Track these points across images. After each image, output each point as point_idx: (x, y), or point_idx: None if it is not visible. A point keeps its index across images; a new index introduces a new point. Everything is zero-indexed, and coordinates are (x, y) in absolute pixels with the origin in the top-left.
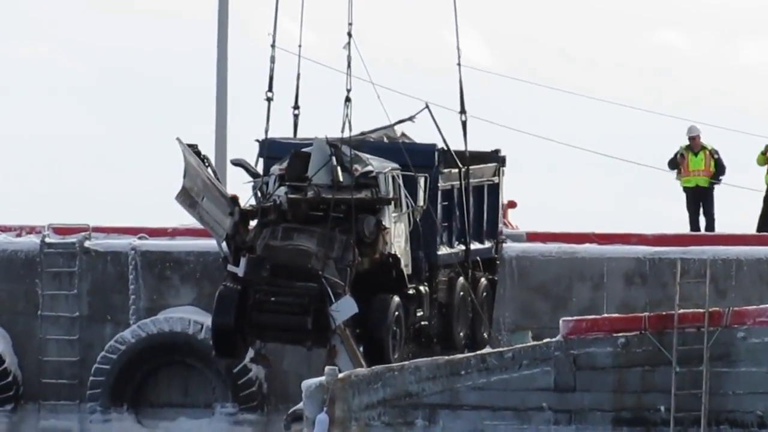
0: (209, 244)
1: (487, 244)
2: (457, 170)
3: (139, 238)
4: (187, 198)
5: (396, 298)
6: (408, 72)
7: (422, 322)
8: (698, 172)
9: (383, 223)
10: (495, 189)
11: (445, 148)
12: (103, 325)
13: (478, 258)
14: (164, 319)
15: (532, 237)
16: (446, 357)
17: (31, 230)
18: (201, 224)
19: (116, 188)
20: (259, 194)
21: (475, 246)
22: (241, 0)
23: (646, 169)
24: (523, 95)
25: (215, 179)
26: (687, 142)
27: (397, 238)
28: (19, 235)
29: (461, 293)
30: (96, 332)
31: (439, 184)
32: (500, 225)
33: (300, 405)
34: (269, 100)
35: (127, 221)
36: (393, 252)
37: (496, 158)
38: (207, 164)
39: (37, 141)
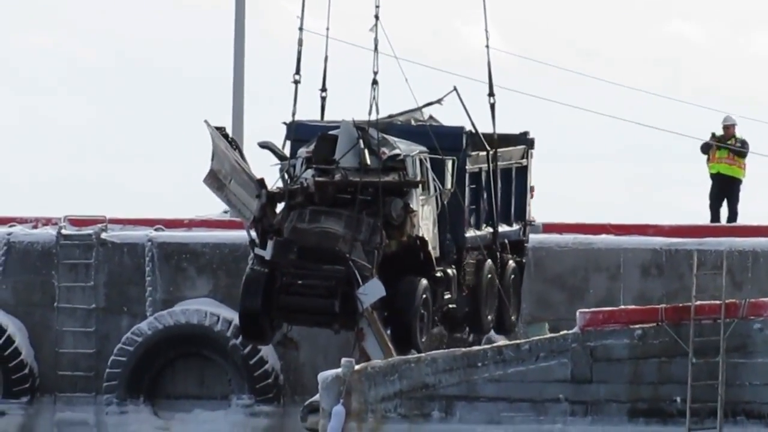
0: (226, 235)
1: (515, 227)
2: (485, 153)
3: (156, 229)
4: (214, 181)
5: (423, 281)
6: (427, 60)
7: (450, 305)
8: (722, 159)
9: (411, 205)
10: (523, 171)
11: (473, 131)
12: (119, 317)
13: (506, 240)
14: (181, 311)
15: (548, 228)
16: (463, 349)
17: (48, 222)
18: (228, 207)
19: (133, 179)
20: (286, 177)
21: (502, 228)
22: None
23: (663, 160)
24: (542, 82)
25: (243, 162)
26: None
27: (425, 221)
28: (35, 227)
29: (489, 276)
30: (112, 324)
31: (466, 167)
32: (528, 207)
33: (316, 397)
34: (296, 82)
35: (144, 212)
36: (420, 234)
37: (524, 141)
38: (234, 147)
39: (53, 131)
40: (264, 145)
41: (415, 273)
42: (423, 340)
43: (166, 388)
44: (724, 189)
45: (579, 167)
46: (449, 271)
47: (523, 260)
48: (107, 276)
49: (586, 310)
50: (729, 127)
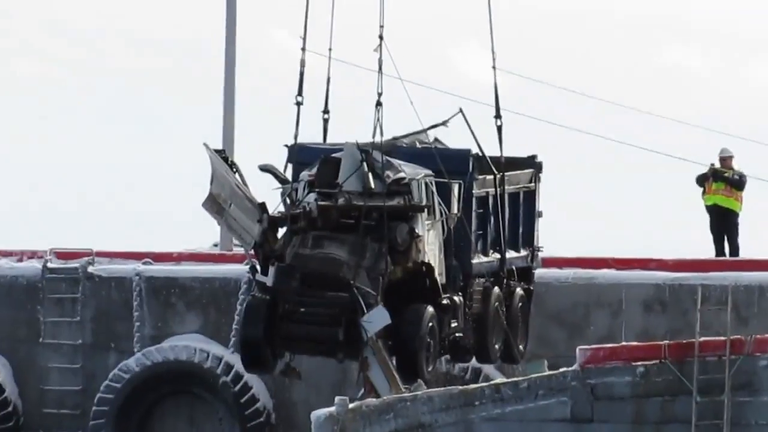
0: (216, 269)
1: (523, 253)
2: (492, 177)
3: (144, 263)
4: (214, 205)
5: (430, 309)
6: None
7: (456, 334)
8: (718, 191)
9: (416, 230)
10: (531, 196)
11: (480, 154)
12: (106, 353)
13: (514, 267)
14: (169, 348)
15: (548, 262)
16: (459, 387)
17: (33, 255)
18: (228, 231)
19: (120, 211)
20: (287, 201)
21: (510, 255)
22: (247, 16)
23: (666, 190)
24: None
25: (243, 186)
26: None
27: (431, 246)
28: (20, 260)
29: (496, 304)
30: (99, 361)
31: (473, 191)
32: (536, 233)
33: None
34: (299, 104)
35: (132, 245)
36: (426, 260)
37: (532, 164)
38: (235, 170)
39: (36, 161)
40: (265, 169)
41: (420, 300)
42: (429, 369)
43: (154, 426)
44: (722, 222)
45: (579, 195)
46: (456, 298)
47: (531, 287)
48: (94, 311)
49: (587, 346)
50: (726, 159)
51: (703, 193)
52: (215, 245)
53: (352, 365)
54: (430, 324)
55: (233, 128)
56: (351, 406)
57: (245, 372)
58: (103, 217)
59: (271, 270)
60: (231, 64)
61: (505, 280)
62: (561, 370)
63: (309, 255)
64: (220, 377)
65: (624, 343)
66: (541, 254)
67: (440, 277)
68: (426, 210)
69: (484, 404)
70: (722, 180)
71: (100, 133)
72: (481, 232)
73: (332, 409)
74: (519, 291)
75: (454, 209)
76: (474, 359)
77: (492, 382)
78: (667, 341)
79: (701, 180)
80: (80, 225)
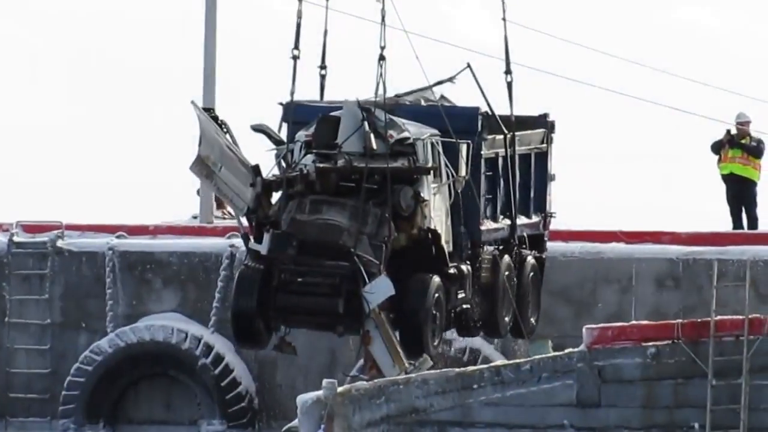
0: (195, 243)
1: (534, 219)
2: (502, 137)
3: (118, 236)
4: (202, 168)
5: (436, 279)
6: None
7: (464, 306)
8: (735, 159)
9: (421, 194)
10: (543, 157)
11: (489, 112)
12: (77, 333)
13: (525, 234)
14: (145, 327)
15: (553, 235)
16: (457, 369)
17: None
18: (219, 196)
19: (92, 181)
20: (282, 163)
21: (521, 221)
22: None
23: (679, 158)
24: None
25: (235, 147)
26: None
27: (437, 212)
28: None
29: (506, 273)
30: (69, 341)
31: (482, 152)
32: (549, 197)
33: (295, 422)
34: (295, 58)
35: (104, 218)
36: (432, 227)
37: (544, 123)
38: (225, 130)
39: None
40: (257, 128)
41: (426, 270)
42: (435, 344)
43: (128, 412)
44: (739, 192)
45: (586, 161)
46: (463, 267)
47: (543, 256)
48: (64, 288)
49: (594, 325)
50: (743, 124)
51: (719, 161)
52: (194, 217)
53: (342, 345)
54: (437, 295)
55: (214, 85)
56: (340, 389)
57: (226, 353)
58: (73, 187)
59: (266, 237)
60: (212, 14)
61: (515, 249)
62: (566, 350)
63: (306, 221)
64: (199, 359)
65: (634, 322)
66: (553, 220)
67: (447, 244)
68: (432, 172)
69: (483, 388)
70: (739, 147)
71: (66, 93)
72: (490, 196)
73: (320, 393)
74: (530, 260)
75: (462, 171)
76: (481, 333)
77: (492, 364)
78: (680, 320)
79: (717, 147)
80: (49, 195)
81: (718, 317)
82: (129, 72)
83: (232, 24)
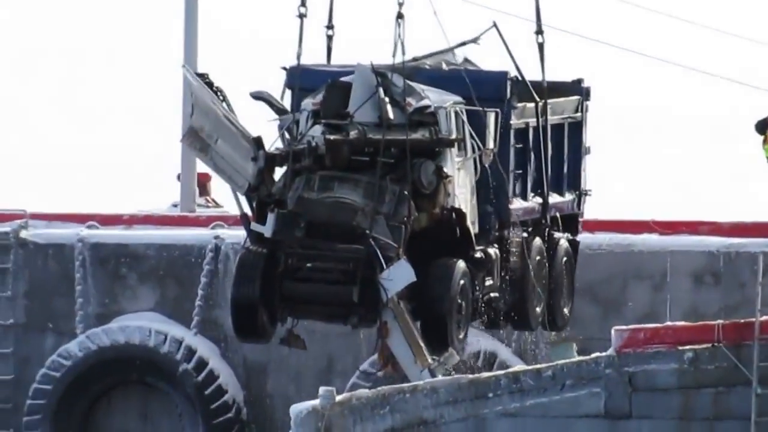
0: (175, 235)
1: (568, 197)
2: (532, 105)
3: (88, 227)
4: (196, 140)
5: (461, 264)
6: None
7: (491, 294)
8: None
9: (444, 169)
10: (578, 128)
11: (519, 77)
12: (43, 335)
13: (557, 214)
14: (119, 329)
15: None
16: (470, 376)
17: None
18: (215, 172)
19: (59, 164)
20: (287, 135)
21: (553, 199)
22: None
23: (721, 138)
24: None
25: (233, 117)
26: None
27: (461, 189)
28: None
29: (538, 258)
30: (35, 344)
31: (511, 122)
32: (583, 173)
33: None
34: (302, 16)
35: (73, 206)
36: (456, 206)
37: (578, 90)
38: (221, 98)
39: None
40: (257, 96)
41: (449, 254)
42: (461, 336)
43: (100, 423)
44: None
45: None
46: (490, 251)
47: (577, 239)
48: (28, 284)
49: (624, 327)
50: None
51: (764, 142)
52: (174, 205)
53: (339, 349)
54: (462, 282)
55: (196, 51)
56: (338, 398)
57: (210, 358)
58: (38, 171)
59: (270, 218)
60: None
61: (547, 230)
62: (593, 355)
63: (316, 200)
64: (179, 364)
65: (669, 323)
66: (589, 198)
67: (472, 225)
68: (456, 144)
69: (500, 397)
70: None
71: (31, 68)
72: (520, 171)
73: (316, 402)
74: (563, 243)
75: (490, 144)
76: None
77: (509, 370)
78: (720, 321)
79: (762, 126)
80: (10, 181)
81: (764, 317)
82: (99, 44)
83: None
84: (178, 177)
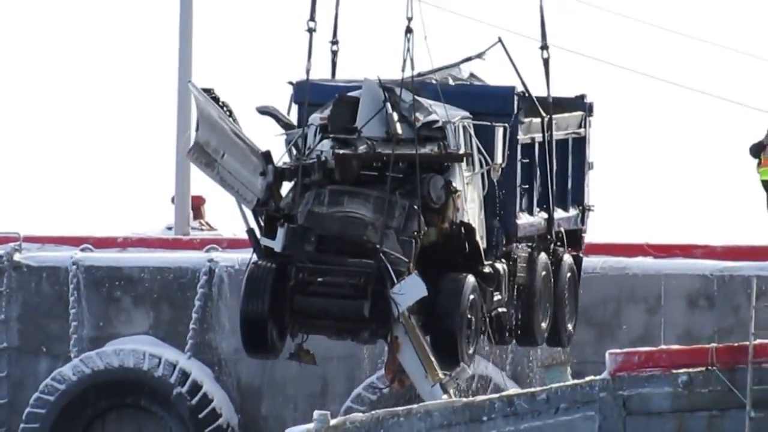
0: (169, 257)
1: (572, 212)
2: (538, 120)
3: (82, 249)
4: (201, 155)
5: (470, 278)
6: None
7: (499, 309)
8: None
9: (453, 184)
10: (581, 144)
11: (525, 92)
12: (37, 358)
13: (562, 229)
14: (113, 352)
15: None
16: (464, 399)
17: None
18: (223, 187)
19: (53, 187)
20: (293, 150)
21: (558, 214)
22: None
23: (716, 163)
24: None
25: (240, 131)
26: None
27: (470, 204)
28: None
29: (543, 273)
30: (28, 368)
31: (518, 137)
32: (587, 189)
33: None
34: (311, 31)
35: (67, 229)
36: (466, 220)
37: (582, 105)
38: (228, 112)
39: None
40: (264, 111)
41: (459, 268)
42: (470, 352)
43: None
44: None
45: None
46: (498, 266)
47: (581, 254)
48: (22, 307)
49: (618, 350)
50: None
51: (759, 165)
52: (168, 228)
53: (334, 371)
54: (472, 296)
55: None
56: (333, 422)
57: (204, 381)
58: (32, 194)
59: (280, 232)
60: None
61: (552, 245)
62: (587, 378)
63: (326, 214)
64: (173, 387)
65: (663, 347)
66: (592, 214)
67: (481, 240)
68: (465, 159)
69: (494, 420)
70: None
71: (25, 92)
72: (526, 186)
73: (310, 426)
74: (567, 258)
75: (498, 158)
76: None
77: (504, 394)
78: (715, 344)
79: (756, 150)
80: (5, 204)
81: (758, 341)
82: (93, 66)
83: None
84: (172, 200)
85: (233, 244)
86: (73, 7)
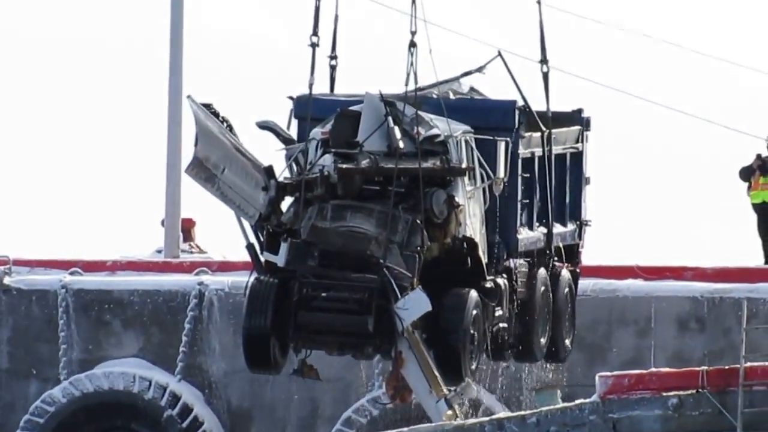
0: (159, 281)
1: (570, 227)
2: (538, 134)
3: (72, 273)
4: (201, 170)
5: (473, 293)
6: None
7: (500, 324)
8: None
9: (456, 198)
10: (578, 158)
11: (526, 107)
12: (26, 381)
13: (560, 244)
14: (103, 375)
15: None
16: (453, 422)
17: None
18: (223, 203)
19: (42, 210)
20: (294, 165)
21: (556, 229)
22: None
23: (706, 185)
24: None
25: (241, 146)
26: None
27: (472, 218)
28: None
29: (542, 289)
30: (18, 390)
31: (519, 151)
32: (584, 204)
33: None
34: (314, 45)
35: (57, 252)
36: (468, 235)
37: (579, 120)
38: (228, 127)
39: None
40: (263, 126)
41: (461, 283)
42: (473, 367)
43: None
44: None
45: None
46: (500, 281)
47: (578, 269)
48: (11, 331)
49: (608, 373)
50: None
51: (749, 188)
52: (158, 251)
53: (323, 394)
54: (475, 312)
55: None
56: None
57: (194, 404)
58: (21, 217)
59: (283, 247)
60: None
61: (551, 261)
62: (578, 401)
63: (329, 229)
64: (164, 410)
65: (653, 369)
66: (590, 228)
67: (483, 255)
68: (467, 173)
69: None
70: None
71: (11, 108)
72: (526, 201)
73: None
74: (565, 273)
75: (500, 173)
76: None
77: (494, 416)
78: (705, 367)
79: (746, 173)
80: None
81: (748, 364)
82: (85, 88)
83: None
84: (162, 223)
85: (223, 266)
86: (62, 30)
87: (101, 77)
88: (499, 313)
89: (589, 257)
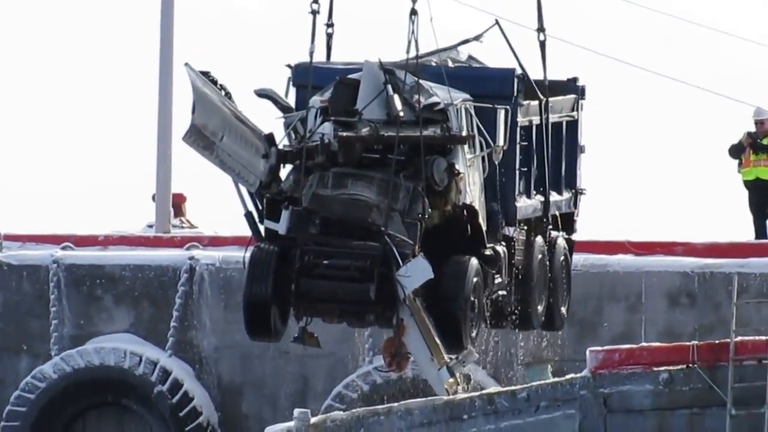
0: (150, 256)
1: (566, 195)
2: (536, 103)
3: (63, 248)
4: (199, 138)
5: (474, 261)
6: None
7: (500, 292)
8: (759, 162)
9: (456, 166)
10: (574, 127)
11: (524, 75)
12: (17, 357)
13: (557, 212)
14: (94, 350)
15: None
16: (444, 397)
17: None
18: (223, 170)
19: (33, 184)
20: (292, 133)
21: (553, 197)
22: None
23: (696, 160)
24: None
25: (241, 114)
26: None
27: (472, 186)
28: None
29: (540, 257)
30: (8, 366)
31: (518, 119)
32: (579, 172)
33: None
34: (314, 12)
35: (48, 227)
36: (468, 203)
37: (574, 89)
38: (226, 95)
39: None
40: (262, 94)
41: (461, 251)
42: (474, 335)
43: None
44: (764, 198)
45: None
46: (499, 249)
47: (573, 238)
48: (2, 306)
49: (599, 348)
50: (762, 123)
51: (740, 165)
52: (149, 226)
53: (314, 370)
54: (475, 279)
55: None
56: (313, 420)
57: (185, 379)
58: (11, 191)
59: (284, 215)
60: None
61: (548, 229)
62: (568, 376)
63: (331, 197)
64: (154, 386)
65: (644, 344)
66: (584, 197)
67: (483, 223)
68: (467, 141)
69: (475, 418)
70: (763, 150)
71: (3, 86)
72: (524, 169)
73: (290, 424)
74: (561, 242)
75: (500, 141)
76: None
77: (484, 392)
78: (696, 342)
79: (736, 151)
80: None
81: (739, 338)
82: (74, 64)
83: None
84: (153, 198)
85: (214, 241)
86: (51, 7)
87: (92, 51)
88: (498, 280)
89: (580, 232)
